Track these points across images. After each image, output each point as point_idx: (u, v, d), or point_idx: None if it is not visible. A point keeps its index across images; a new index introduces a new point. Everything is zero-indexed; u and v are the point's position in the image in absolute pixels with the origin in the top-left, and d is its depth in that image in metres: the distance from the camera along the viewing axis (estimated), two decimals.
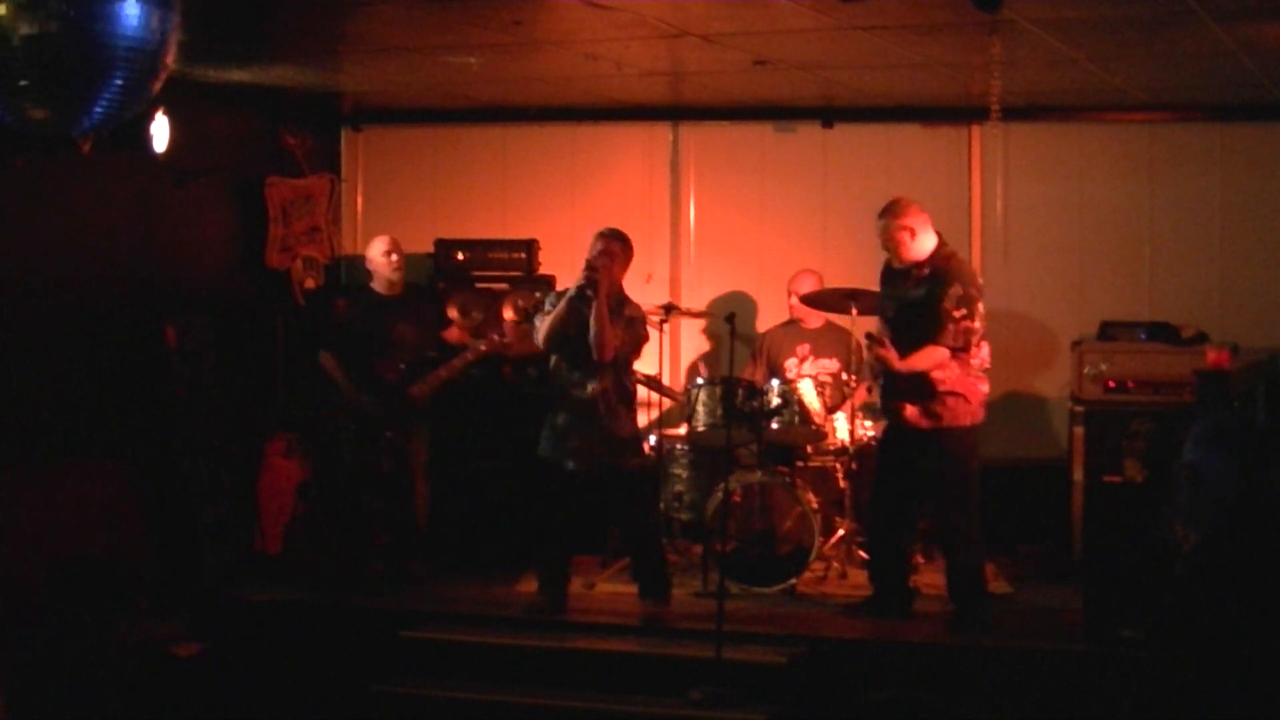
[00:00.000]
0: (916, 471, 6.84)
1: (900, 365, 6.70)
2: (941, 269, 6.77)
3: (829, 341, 8.29)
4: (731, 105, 8.88)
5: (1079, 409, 7.87)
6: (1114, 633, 6.29)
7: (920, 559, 7.83)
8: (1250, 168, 8.55)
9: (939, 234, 6.91)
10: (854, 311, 7.69)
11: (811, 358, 8.28)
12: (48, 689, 6.46)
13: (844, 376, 7.90)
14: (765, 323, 8.80)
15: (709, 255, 9.26)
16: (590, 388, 7.00)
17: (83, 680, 6.55)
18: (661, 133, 9.28)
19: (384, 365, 7.75)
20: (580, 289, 6.92)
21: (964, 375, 6.71)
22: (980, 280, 6.87)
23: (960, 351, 6.67)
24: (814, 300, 8.10)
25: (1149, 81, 7.84)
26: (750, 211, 9.21)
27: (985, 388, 6.82)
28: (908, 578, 7.18)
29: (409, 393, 7.71)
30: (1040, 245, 8.75)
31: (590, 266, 6.89)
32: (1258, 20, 6.23)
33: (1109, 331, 8.11)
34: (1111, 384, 7.76)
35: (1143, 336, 7.96)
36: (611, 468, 7.06)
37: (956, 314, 6.65)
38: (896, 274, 6.96)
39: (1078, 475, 7.77)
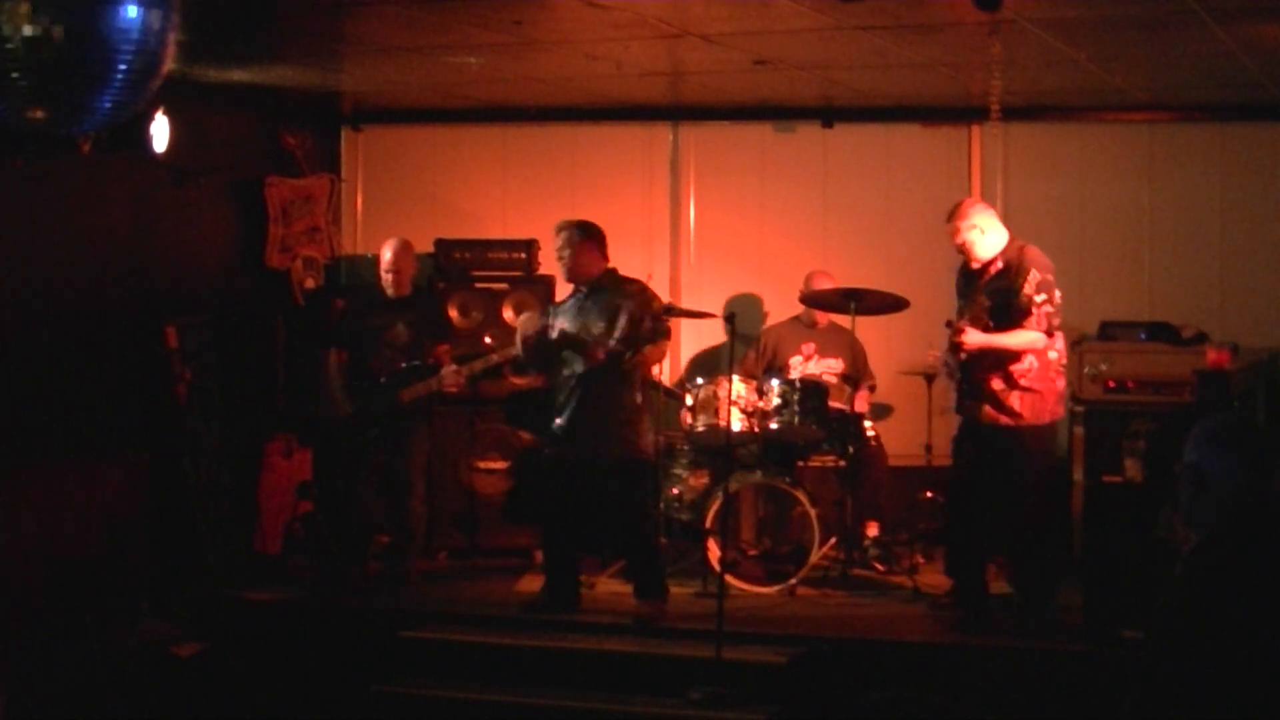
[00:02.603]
0: (994, 470, 6.78)
1: (985, 341, 6.66)
2: (1014, 260, 6.74)
3: (834, 341, 8.30)
4: (731, 105, 8.89)
5: (1079, 409, 7.83)
6: (1114, 633, 6.29)
7: (920, 559, 7.83)
8: (1250, 168, 8.56)
9: (1028, 226, 6.88)
10: (853, 310, 7.69)
11: (817, 356, 8.28)
12: (48, 689, 6.45)
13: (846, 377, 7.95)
14: (762, 325, 8.81)
15: (709, 255, 9.26)
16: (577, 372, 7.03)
17: (83, 680, 6.55)
18: (661, 133, 9.28)
19: (378, 362, 7.74)
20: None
21: (1043, 371, 6.68)
22: (1052, 267, 6.78)
23: (1047, 335, 6.66)
24: (814, 300, 8.10)
25: (1149, 81, 7.84)
26: (750, 212, 9.21)
27: (1063, 383, 6.79)
28: (985, 579, 7.03)
29: (399, 395, 7.70)
30: (1040, 245, 8.63)
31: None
32: (1258, 20, 6.23)
33: (1109, 331, 8.09)
34: (1111, 384, 7.74)
35: (1143, 336, 7.94)
36: (602, 455, 7.03)
37: (1038, 299, 6.62)
38: (972, 275, 6.90)
39: (1078, 475, 7.75)
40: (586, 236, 7.15)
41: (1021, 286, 6.65)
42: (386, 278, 7.84)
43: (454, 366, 7.66)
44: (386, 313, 7.82)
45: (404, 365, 7.73)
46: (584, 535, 7.39)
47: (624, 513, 7.17)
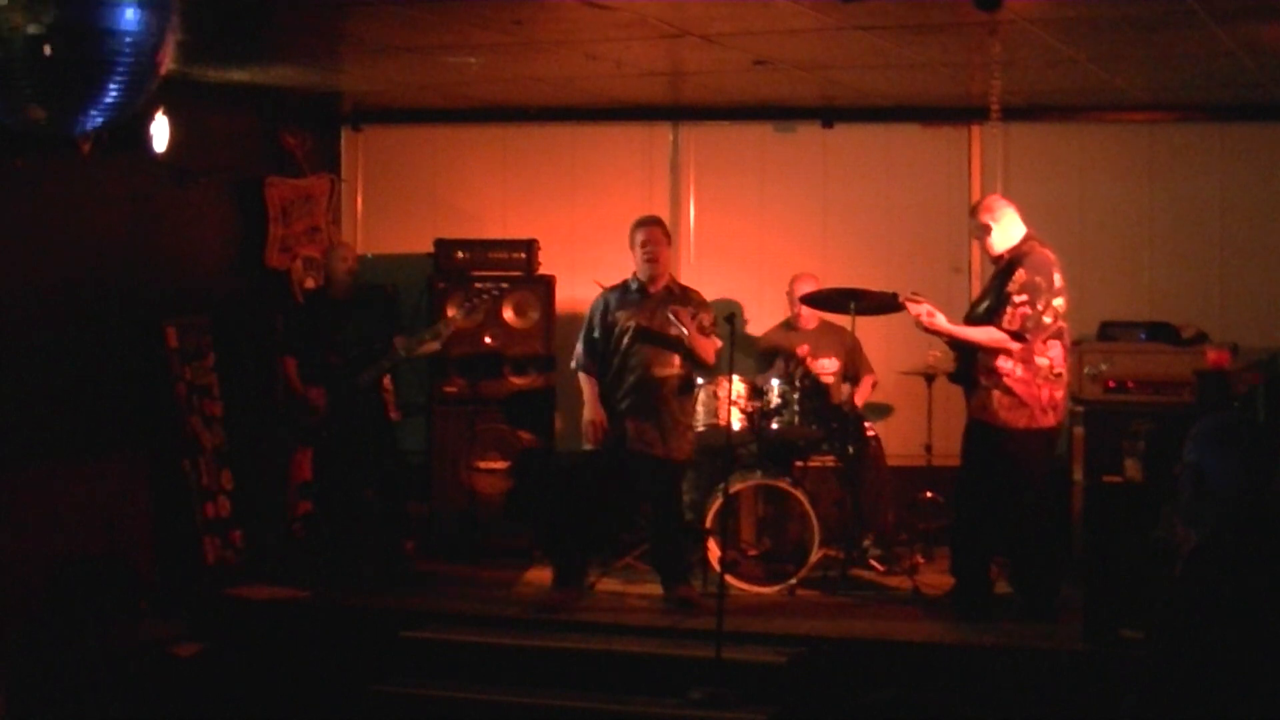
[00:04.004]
0: (987, 468, 6.80)
1: (947, 328, 6.77)
2: (1016, 256, 6.76)
3: (827, 341, 8.30)
4: (731, 105, 8.89)
5: (1079, 409, 7.86)
6: (1114, 633, 6.29)
7: (920, 559, 7.83)
8: (1250, 168, 8.56)
9: (1028, 227, 6.88)
10: (852, 310, 7.70)
11: (811, 357, 8.27)
12: (48, 689, 6.45)
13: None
14: (764, 324, 8.81)
15: (709, 255, 9.25)
16: (660, 373, 7.18)
17: (83, 680, 6.55)
18: (661, 133, 9.28)
19: (334, 356, 7.80)
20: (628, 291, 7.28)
21: (1027, 377, 6.65)
22: (1058, 275, 6.75)
23: (1018, 339, 6.64)
24: (814, 300, 8.10)
25: (1149, 81, 7.84)
26: (750, 212, 9.21)
27: (1057, 393, 6.72)
28: (987, 573, 7.05)
29: (355, 379, 7.77)
30: None
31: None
32: (1258, 20, 6.23)
33: (1109, 331, 8.11)
34: (1111, 384, 7.76)
35: (1143, 336, 7.96)
36: (664, 454, 7.18)
37: (1017, 298, 6.62)
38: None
39: (1078, 475, 7.77)
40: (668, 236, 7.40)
41: (1006, 283, 6.67)
42: (346, 279, 7.96)
43: (402, 339, 7.81)
44: (334, 314, 7.91)
45: (356, 357, 7.80)
46: (599, 534, 7.54)
47: (666, 507, 7.30)
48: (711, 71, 7.66)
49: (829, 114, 8.91)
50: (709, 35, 6.61)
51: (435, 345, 7.86)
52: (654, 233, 7.32)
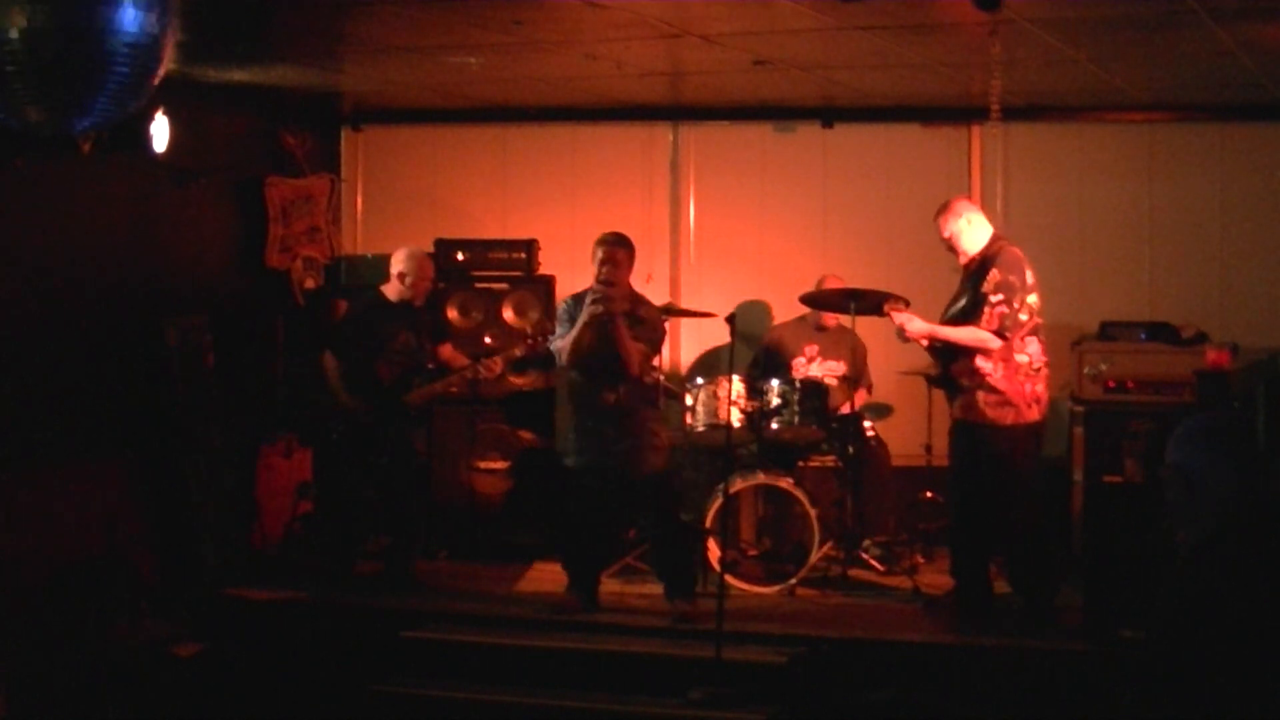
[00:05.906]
0: (975, 467, 6.80)
1: (927, 329, 6.77)
2: (987, 258, 6.77)
3: (838, 343, 8.29)
4: (731, 105, 8.89)
5: (1079, 409, 7.85)
6: (1114, 633, 6.29)
7: (920, 559, 7.83)
8: (1250, 168, 8.56)
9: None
10: (852, 310, 7.70)
11: (819, 359, 8.28)
12: (48, 689, 6.46)
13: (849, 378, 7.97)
14: (763, 325, 8.81)
15: (709, 255, 9.26)
16: (614, 393, 6.98)
17: (83, 680, 6.55)
18: (661, 133, 9.29)
19: (383, 367, 7.70)
20: (595, 313, 6.85)
21: (1009, 375, 6.65)
22: (1029, 271, 6.75)
23: (999, 337, 6.63)
24: (813, 300, 8.10)
25: (1149, 81, 7.84)
26: (750, 212, 9.21)
27: (1038, 388, 6.73)
28: (987, 573, 7.02)
29: (404, 399, 7.68)
30: (1040, 245, 8.65)
31: (602, 293, 6.80)
32: (1258, 20, 6.23)
33: (1109, 331, 8.10)
34: (1111, 384, 7.75)
35: (1143, 336, 7.95)
36: (637, 469, 7.04)
37: (993, 298, 6.63)
38: (964, 272, 6.97)
39: (1078, 475, 7.76)
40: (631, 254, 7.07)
41: (981, 284, 6.68)
42: (420, 286, 7.71)
43: (474, 364, 7.66)
44: (393, 319, 7.70)
45: (406, 370, 7.67)
46: (609, 544, 7.52)
47: (655, 519, 7.19)
48: (711, 71, 7.67)
49: (829, 114, 8.91)
50: (709, 35, 6.62)
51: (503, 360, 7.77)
52: (613, 252, 6.95)
